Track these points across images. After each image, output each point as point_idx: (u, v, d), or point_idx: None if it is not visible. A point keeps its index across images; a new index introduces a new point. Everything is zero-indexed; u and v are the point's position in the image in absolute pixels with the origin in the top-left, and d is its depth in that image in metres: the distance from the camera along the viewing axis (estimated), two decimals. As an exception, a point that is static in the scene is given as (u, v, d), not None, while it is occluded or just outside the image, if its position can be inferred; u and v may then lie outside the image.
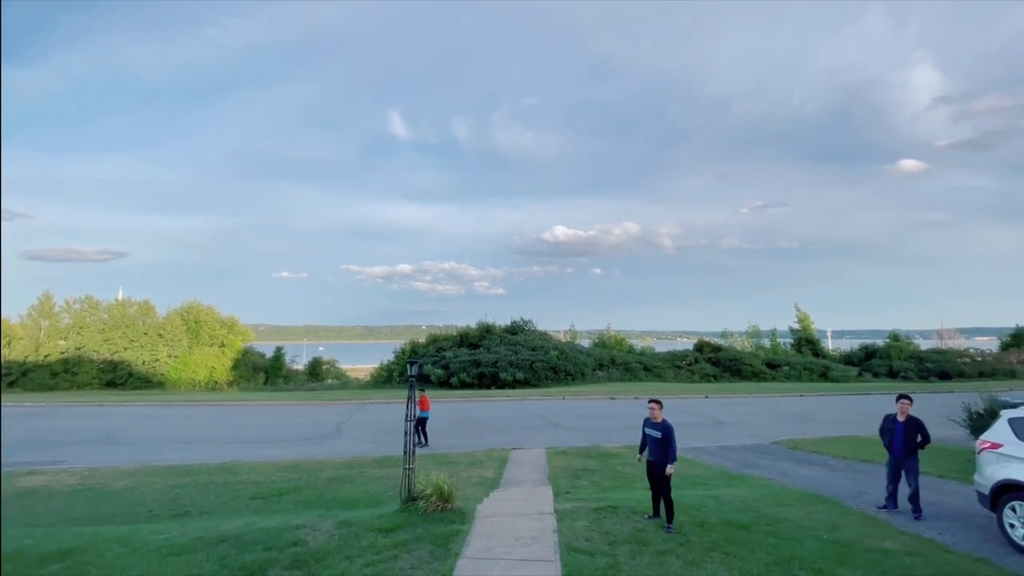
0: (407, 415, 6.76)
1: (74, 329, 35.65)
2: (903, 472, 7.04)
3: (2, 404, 19.78)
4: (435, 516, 6.19)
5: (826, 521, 6.49)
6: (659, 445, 6.20)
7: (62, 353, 34.63)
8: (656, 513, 6.39)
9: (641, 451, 6.59)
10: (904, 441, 6.97)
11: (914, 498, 6.86)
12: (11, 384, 33.02)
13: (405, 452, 6.69)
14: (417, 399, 13.86)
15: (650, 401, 6.56)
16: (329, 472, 10.41)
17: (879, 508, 7.14)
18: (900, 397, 7.26)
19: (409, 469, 6.65)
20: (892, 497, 7.14)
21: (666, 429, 6.21)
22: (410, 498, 6.53)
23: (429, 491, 6.42)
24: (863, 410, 22.00)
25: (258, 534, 5.65)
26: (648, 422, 6.41)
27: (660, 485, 6.20)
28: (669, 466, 6.10)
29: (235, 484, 9.43)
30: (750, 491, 8.27)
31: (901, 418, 7.07)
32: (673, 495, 7.24)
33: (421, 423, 13.83)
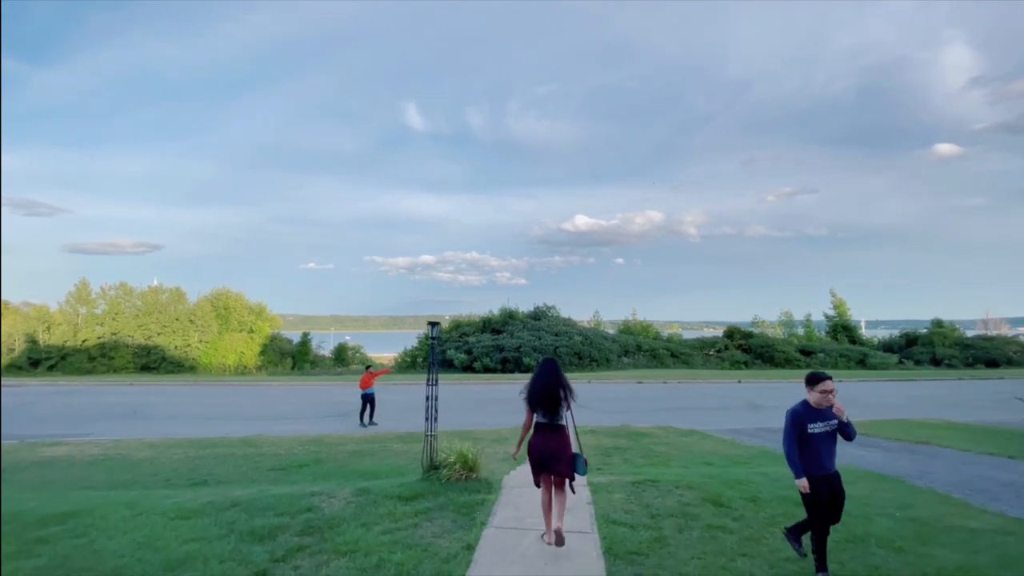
0: (429, 378, 6.29)
1: (109, 315, 36.61)
2: None
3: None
4: (458, 485, 5.72)
5: (895, 499, 5.79)
6: (830, 442, 3.90)
7: (99, 338, 35.62)
8: (824, 568, 3.84)
9: (798, 466, 3.88)
10: None
11: None
12: (51, 368, 34.17)
13: (427, 418, 6.23)
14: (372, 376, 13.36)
15: (823, 378, 3.86)
16: (351, 446, 10.11)
17: None
18: None
19: (431, 436, 6.20)
20: None
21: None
22: (432, 467, 6.08)
23: (452, 459, 5.95)
24: (908, 395, 20.81)
25: (271, 500, 5.28)
26: (807, 411, 3.88)
27: (838, 508, 3.94)
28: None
29: (255, 456, 9.19)
30: (800, 469, 7.58)
31: None
32: (714, 471, 6.53)
33: (368, 401, 13.31)
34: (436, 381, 6.29)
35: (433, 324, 6.33)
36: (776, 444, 10.65)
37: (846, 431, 3.92)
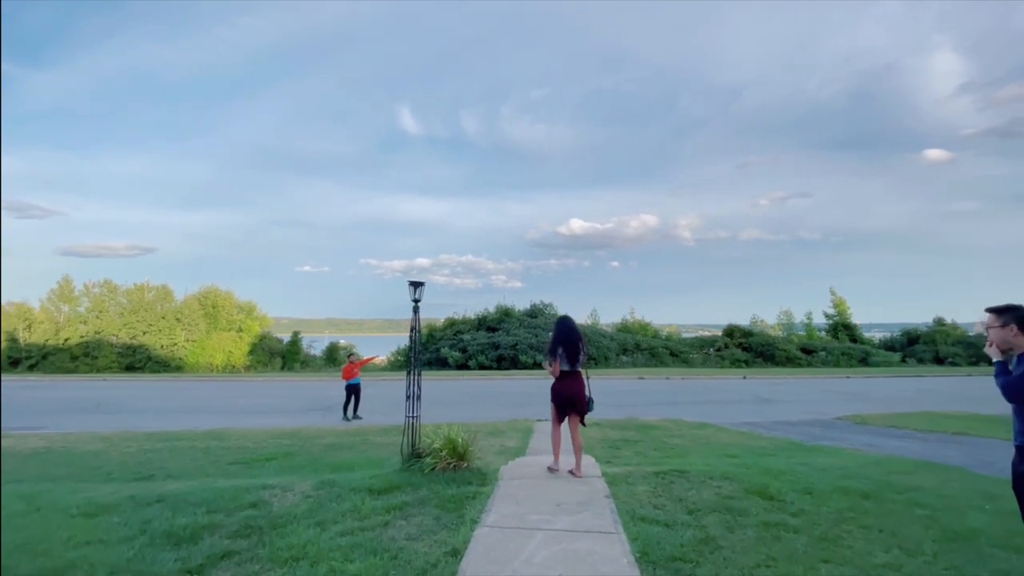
0: (411, 349, 5.24)
1: (93, 313, 35.18)
2: None
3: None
4: (445, 476, 4.67)
5: (976, 490, 4.77)
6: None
7: (82, 337, 34.18)
8: None
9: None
10: None
11: None
12: (32, 367, 32.72)
13: (408, 396, 5.18)
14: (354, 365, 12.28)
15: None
16: (329, 439, 9.04)
17: None
18: None
19: (413, 418, 5.14)
20: None
21: None
22: (414, 455, 5.02)
23: (438, 445, 4.90)
24: (921, 389, 19.93)
25: (208, 494, 4.21)
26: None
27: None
28: None
29: (218, 449, 8.10)
30: (843, 460, 6.56)
31: None
32: (745, 462, 5.73)
33: (352, 392, 12.26)
34: (418, 349, 5.25)
35: (416, 284, 5.29)
36: (804, 437, 9.64)
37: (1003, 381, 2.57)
